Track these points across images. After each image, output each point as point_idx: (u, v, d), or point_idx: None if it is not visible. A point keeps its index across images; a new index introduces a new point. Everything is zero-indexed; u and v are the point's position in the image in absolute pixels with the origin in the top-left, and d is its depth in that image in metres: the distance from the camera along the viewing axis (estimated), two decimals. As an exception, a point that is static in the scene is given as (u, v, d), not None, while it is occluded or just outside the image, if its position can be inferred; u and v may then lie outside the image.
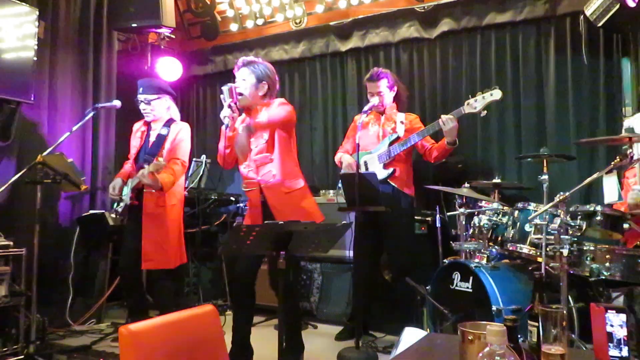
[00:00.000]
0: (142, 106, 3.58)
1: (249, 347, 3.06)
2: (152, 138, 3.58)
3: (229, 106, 2.93)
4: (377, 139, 3.77)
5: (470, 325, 1.32)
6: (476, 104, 3.42)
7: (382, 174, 3.60)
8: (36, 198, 3.22)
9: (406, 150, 3.66)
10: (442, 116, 3.51)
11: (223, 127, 2.98)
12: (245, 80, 3.06)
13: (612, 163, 2.38)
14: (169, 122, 3.61)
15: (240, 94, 3.00)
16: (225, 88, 2.96)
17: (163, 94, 3.61)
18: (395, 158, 3.67)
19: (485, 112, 3.44)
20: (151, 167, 3.28)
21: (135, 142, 3.67)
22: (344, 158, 3.85)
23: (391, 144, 3.68)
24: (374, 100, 3.68)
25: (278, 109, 3.03)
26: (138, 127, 3.73)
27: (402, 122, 3.71)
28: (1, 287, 3.25)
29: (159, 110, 3.60)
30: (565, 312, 1.38)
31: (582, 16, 3.64)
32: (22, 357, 3.16)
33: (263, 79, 3.07)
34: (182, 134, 3.58)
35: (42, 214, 3.34)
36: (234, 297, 3.24)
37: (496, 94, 3.38)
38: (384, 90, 3.75)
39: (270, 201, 3.01)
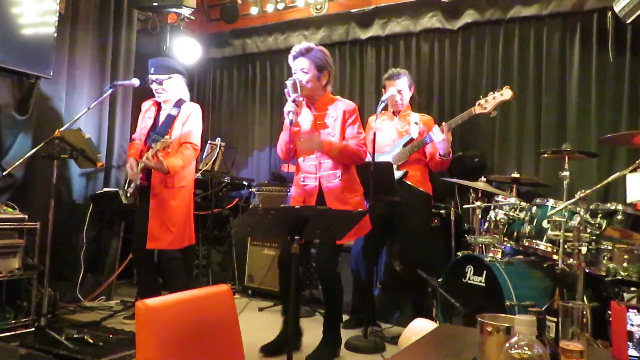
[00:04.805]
0: (154, 86, 3.57)
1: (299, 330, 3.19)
2: (162, 118, 3.58)
3: (294, 101, 2.88)
4: (391, 140, 3.75)
5: (489, 317, 1.30)
6: (487, 104, 3.47)
7: (396, 174, 3.58)
8: (52, 173, 3.23)
9: (420, 150, 3.67)
10: (435, 126, 3.53)
11: (287, 122, 2.91)
12: (306, 71, 2.96)
13: (637, 161, 2.34)
14: (179, 103, 3.60)
15: (302, 86, 2.92)
16: (289, 82, 2.90)
17: (174, 73, 3.60)
18: (409, 159, 3.67)
19: (496, 112, 3.47)
20: (158, 145, 3.30)
21: (145, 123, 3.66)
22: None
23: (405, 145, 3.68)
24: (386, 95, 3.59)
25: (355, 144, 2.95)
26: (147, 106, 3.72)
27: (416, 123, 3.70)
28: (15, 260, 3.28)
29: (171, 90, 3.59)
30: (586, 309, 1.36)
31: (610, 12, 3.57)
32: (33, 329, 3.19)
33: (325, 68, 2.99)
34: (193, 116, 3.56)
35: (56, 190, 3.36)
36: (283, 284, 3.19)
37: (506, 94, 3.42)
38: (404, 89, 3.74)
39: (326, 196, 2.99)
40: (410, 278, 3.56)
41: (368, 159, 3.62)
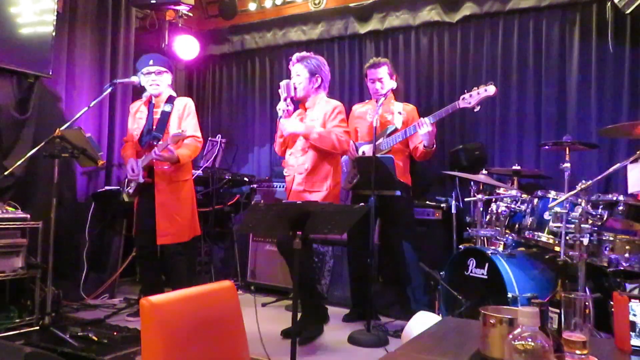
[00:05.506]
0: (152, 77, 3.60)
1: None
2: (157, 116, 3.61)
3: (285, 99, 3.34)
4: (375, 129, 3.76)
5: (492, 309, 1.31)
6: (470, 99, 3.49)
7: None
8: (54, 172, 3.23)
9: (403, 141, 3.70)
10: (420, 118, 3.56)
11: (279, 119, 3.35)
12: (299, 75, 3.38)
13: (638, 152, 2.34)
14: (170, 99, 3.67)
15: (295, 88, 3.35)
16: (282, 83, 3.36)
17: (169, 69, 3.70)
18: (392, 149, 3.69)
19: (479, 107, 3.50)
20: (171, 140, 3.34)
21: (137, 124, 3.68)
22: None
23: (389, 135, 3.69)
24: (387, 86, 3.68)
25: (337, 133, 3.23)
26: (137, 107, 3.75)
27: (399, 113, 3.72)
28: (18, 259, 3.30)
29: (164, 84, 3.66)
30: (588, 300, 1.36)
31: (609, 3, 3.56)
32: (37, 328, 3.20)
33: (316, 73, 3.38)
34: (189, 109, 3.65)
35: (58, 189, 3.36)
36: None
37: (490, 90, 3.44)
38: (385, 77, 3.78)
39: (293, 193, 3.28)
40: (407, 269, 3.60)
41: (370, 153, 3.64)
